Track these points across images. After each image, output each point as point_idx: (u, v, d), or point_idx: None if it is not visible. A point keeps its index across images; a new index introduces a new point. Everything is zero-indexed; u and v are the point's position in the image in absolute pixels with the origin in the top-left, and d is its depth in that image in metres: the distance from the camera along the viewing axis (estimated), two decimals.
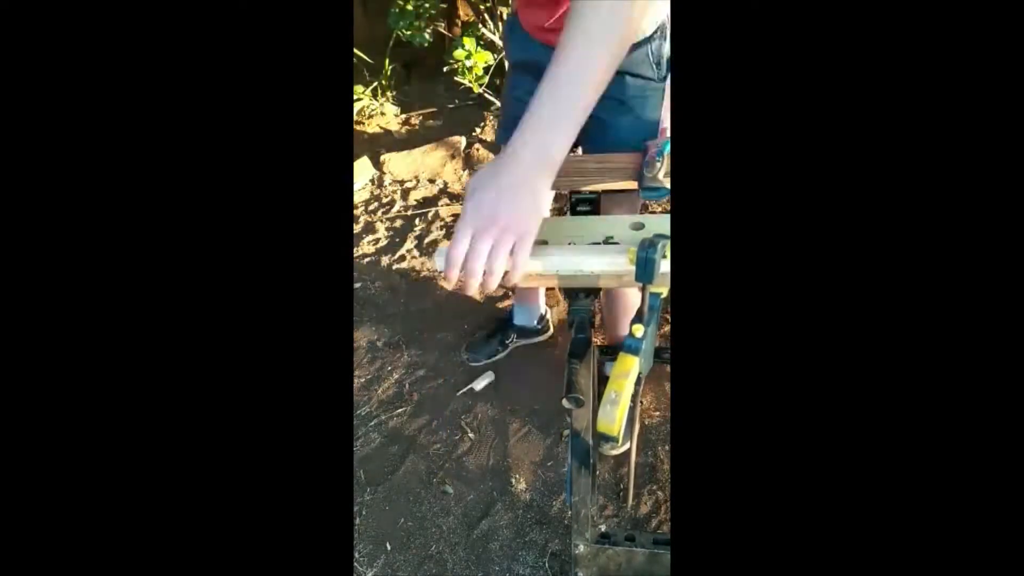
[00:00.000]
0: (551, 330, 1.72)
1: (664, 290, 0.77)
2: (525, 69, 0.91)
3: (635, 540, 0.99)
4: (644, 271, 0.70)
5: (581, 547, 1.00)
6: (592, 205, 0.94)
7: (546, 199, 0.72)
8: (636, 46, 0.93)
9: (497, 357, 1.68)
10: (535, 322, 1.68)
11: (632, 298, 1.36)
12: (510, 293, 1.81)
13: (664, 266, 0.71)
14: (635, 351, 0.73)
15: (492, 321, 1.75)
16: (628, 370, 0.73)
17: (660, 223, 0.83)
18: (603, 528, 1.05)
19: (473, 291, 0.64)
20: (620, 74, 0.90)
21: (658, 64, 0.96)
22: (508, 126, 0.84)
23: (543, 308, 1.68)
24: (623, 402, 0.72)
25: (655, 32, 0.94)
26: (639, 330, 0.73)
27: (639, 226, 0.84)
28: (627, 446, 1.32)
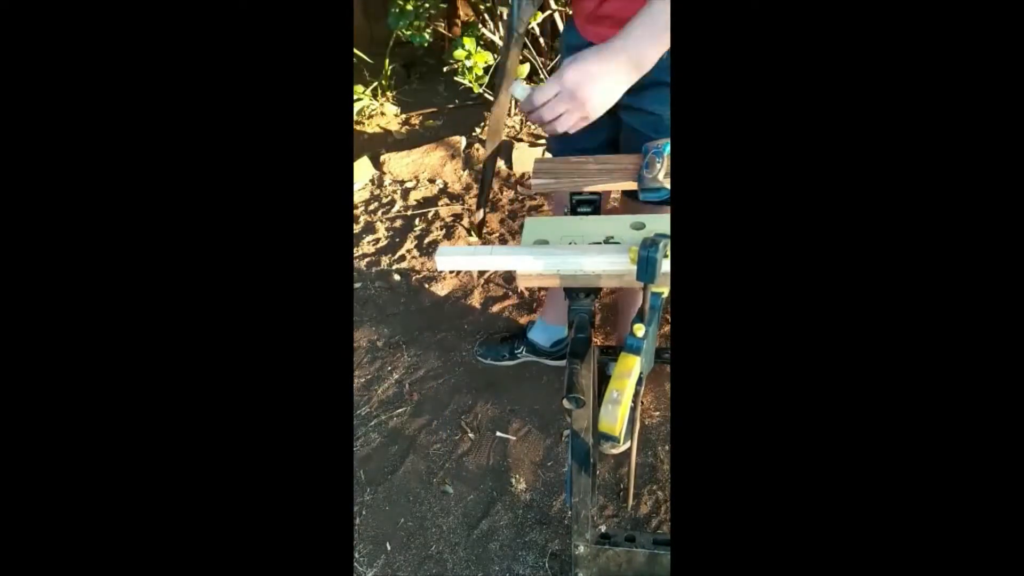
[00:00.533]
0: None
1: (666, 290, 0.77)
2: None
3: (635, 540, 0.99)
4: (645, 270, 0.70)
5: (581, 547, 0.99)
6: (593, 206, 0.94)
7: (620, 94, 0.82)
8: None
9: (502, 363, 1.66)
10: (550, 345, 1.63)
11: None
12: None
13: (666, 265, 0.71)
14: (637, 351, 0.73)
15: (511, 328, 1.74)
16: (630, 369, 0.73)
17: (660, 223, 0.83)
18: (603, 528, 1.05)
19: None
20: None
21: None
22: (560, 136, 0.87)
23: (565, 333, 1.62)
24: (625, 401, 0.72)
25: None
26: (640, 330, 0.73)
27: (640, 226, 0.84)
28: (627, 445, 1.32)
